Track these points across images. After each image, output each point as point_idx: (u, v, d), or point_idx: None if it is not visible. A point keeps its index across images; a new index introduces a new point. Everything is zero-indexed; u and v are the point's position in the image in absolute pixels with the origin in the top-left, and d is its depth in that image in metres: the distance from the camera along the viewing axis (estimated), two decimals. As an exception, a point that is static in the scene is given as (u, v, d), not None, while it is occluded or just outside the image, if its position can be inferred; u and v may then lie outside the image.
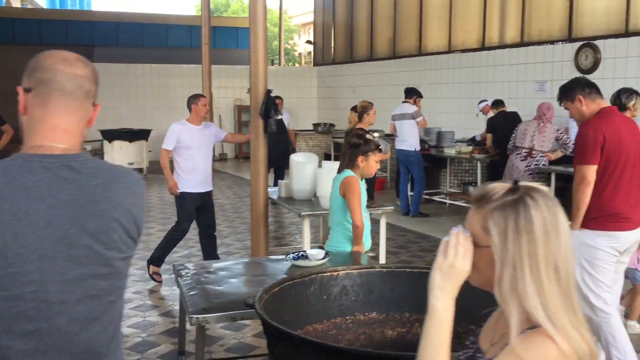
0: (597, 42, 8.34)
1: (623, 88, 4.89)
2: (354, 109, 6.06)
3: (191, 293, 2.74)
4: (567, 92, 3.52)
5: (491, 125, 7.90)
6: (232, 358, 3.73)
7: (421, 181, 8.21)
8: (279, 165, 8.60)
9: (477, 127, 9.52)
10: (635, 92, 4.19)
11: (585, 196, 3.34)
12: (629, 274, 4.38)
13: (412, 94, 8.42)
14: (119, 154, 11.98)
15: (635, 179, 3.40)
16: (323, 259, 3.14)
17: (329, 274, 2.53)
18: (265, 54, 4.93)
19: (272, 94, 5.10)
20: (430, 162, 9.17)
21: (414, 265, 2.63)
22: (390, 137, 10.66)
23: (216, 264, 3.25)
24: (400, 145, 8.14)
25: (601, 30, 8.49)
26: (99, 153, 11.92)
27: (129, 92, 14.90)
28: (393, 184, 9.93)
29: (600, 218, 3.35)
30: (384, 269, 2.60)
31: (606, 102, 3.56)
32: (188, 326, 3.07)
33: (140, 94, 14.99)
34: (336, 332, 2.47)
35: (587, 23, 8.78)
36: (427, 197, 8.98)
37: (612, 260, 3.40)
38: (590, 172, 3.33)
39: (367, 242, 3.64)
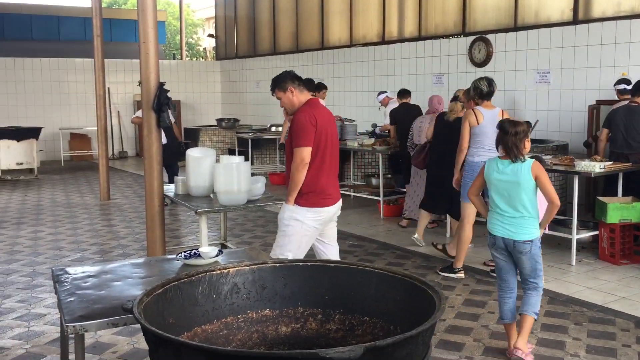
0: (489, 36, 8.68)
1: (489, 78, 5.19)
2: (455, 99, 5.92)
3: (69, 299, 2.52)
4: (280, 83, 3.91)
5: (393, 116, 7.94)
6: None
7: None
8: (170, 163, 8.33)
9: (380, 120, 9.65)
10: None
11: (303, 176, 3.77)
12: None
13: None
14: (6, 154, 11.16)
15: (334, 161, 3.94)
16: (216, 256, 3.01)
17: (218, 271, 2.40)
18: (156, 44, 4.70)
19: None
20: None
21: (307, 259, 2.56)
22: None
23: (99, 267, 3.03)
24: None
25: (492, 25, 8.85)
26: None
27: (17, 88, 13.94)
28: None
29: (309, 195, 3.81)
30: (277, 264, 2.50)
31: (310, 94, 3.96)
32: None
33: (29, 90, 14.06)
34: (227, 332, 2.35)
35: (480, 18, 9.12)
36: (331, 190, 9.00)
37: (316, 233, 3.91)
38: (308, 153, 3.75)
39: None
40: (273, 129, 11.08)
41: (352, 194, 8.85)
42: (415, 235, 6.29)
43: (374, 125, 9.44)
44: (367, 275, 2.39)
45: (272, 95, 3.98)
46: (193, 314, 2.28)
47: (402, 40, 10.36)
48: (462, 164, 5.20)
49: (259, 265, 2.49)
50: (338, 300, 2.40)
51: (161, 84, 4.81)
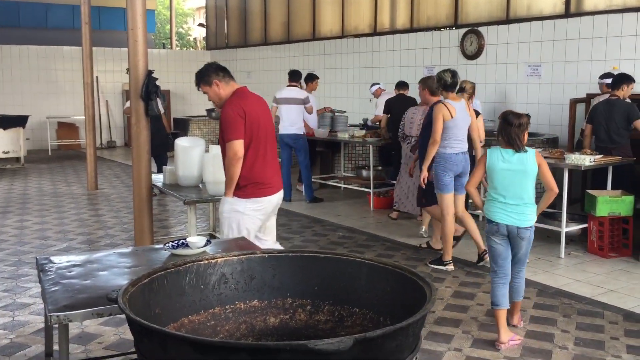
0: (481, 29, 8.65)
1: (453, 70, 5.09)
2: (461, 90, 5.73)
3: (53, 289, 2.47)
4: (204, 78, 3.81)
5: (388, 106, 7.86)
6: (106, 356, 3.46)
7: (308, 166, 8.15)
8: (159, 153, 8.23)
9: (371, 111, 9.61)
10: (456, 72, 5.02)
11: (238, 170, 3.71)
12: None
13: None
14: (-7, 142, 11.02)
15: (270, 150, 3.84)
16: (204, 246, 2.97)
17: (206, 261, 2.36)
18: (145, 30, 4.63)
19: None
20: (324, 146, 9.15)
21: (296, 250, 2.52)
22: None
23: (84, 257, 2.97)
24: (289, 129, 8.02)
25: (484, 18, 8.82)
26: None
27: (4, 75, 13.76)
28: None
29: (247, 187, 3.76)
30: (265, 255, 2.46)
31: (238, 84, 3.89)
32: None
33: (16, 78, 13.88)
34: (214, 322, 2.31)
35: (472, 10, 9.09)
36: (322, 181, 8.97)
37: (258, 224, 3.86)
38: (240, 146, 3.68)
39: None
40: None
41: (343, 185, 8.82)
42: (423, 229, 6.29)
43: (365, 120, 9.38)
44: (358, 266, 2.36)
45: (198, 90, 3.90)
46: (180, 304, 2.24)
47: (393, 31, 10.31)
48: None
49: (247, 256, 2.45)
50: (328, 291, 2.37)
51: (149, 72, 4.75)
